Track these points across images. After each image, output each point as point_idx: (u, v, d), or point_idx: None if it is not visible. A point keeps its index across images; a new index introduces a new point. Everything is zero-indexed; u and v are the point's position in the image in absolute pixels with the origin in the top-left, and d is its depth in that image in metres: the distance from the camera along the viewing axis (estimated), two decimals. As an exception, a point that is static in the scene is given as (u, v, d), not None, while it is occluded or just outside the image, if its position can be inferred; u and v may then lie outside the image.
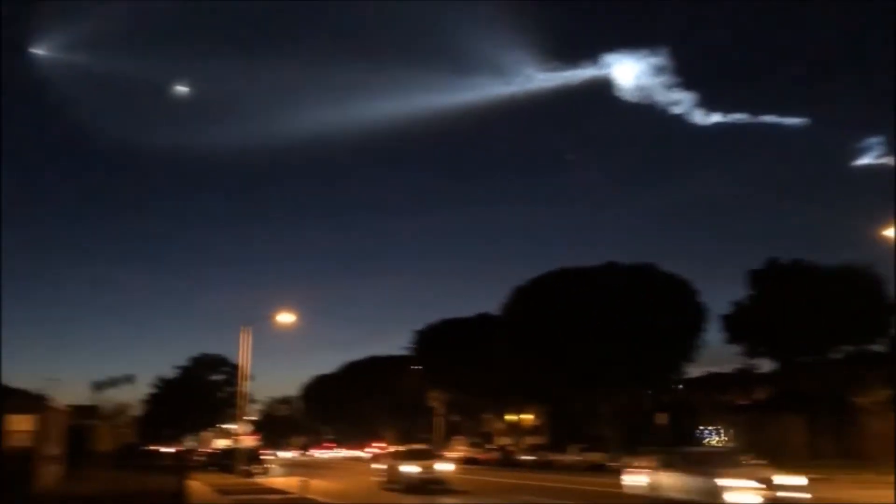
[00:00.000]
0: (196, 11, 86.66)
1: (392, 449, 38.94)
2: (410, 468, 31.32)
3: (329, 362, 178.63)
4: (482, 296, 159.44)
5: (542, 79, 71.98)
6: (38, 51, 67.21)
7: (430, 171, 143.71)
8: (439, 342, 66.44)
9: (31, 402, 35.53)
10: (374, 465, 37.29)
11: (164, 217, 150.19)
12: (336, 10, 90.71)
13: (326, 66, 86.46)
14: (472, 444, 66.20)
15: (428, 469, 31.51)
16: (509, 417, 70.67)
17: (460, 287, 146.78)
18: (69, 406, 47.59)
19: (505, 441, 67.73)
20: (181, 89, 77.27)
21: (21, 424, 34.57)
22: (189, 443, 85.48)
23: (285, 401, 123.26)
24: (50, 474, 35.98)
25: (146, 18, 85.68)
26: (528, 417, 69.36)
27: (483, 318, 64.32)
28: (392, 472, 32.82)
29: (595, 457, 47.10)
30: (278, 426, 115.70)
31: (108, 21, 73.49)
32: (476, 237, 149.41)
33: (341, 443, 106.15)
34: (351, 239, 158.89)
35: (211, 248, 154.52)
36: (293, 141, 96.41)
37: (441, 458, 36.51)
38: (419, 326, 71.90)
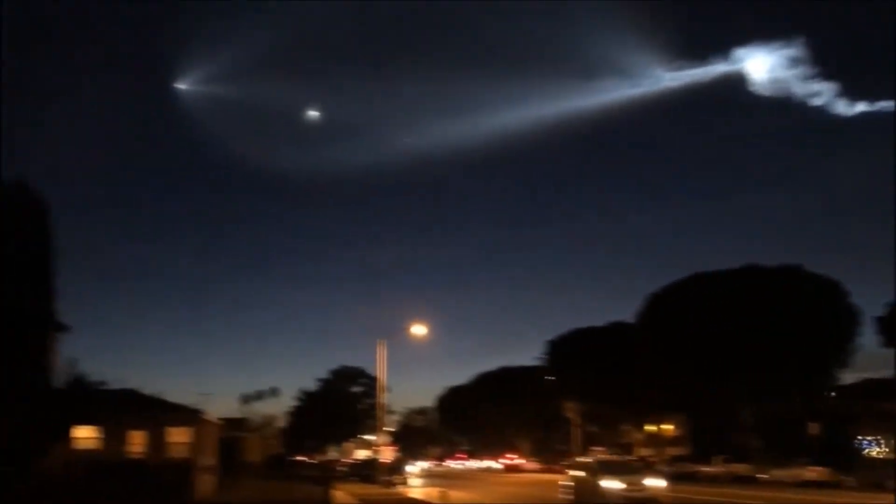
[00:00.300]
0: (323, 38, 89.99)
1: (584, 459, 32.92)
2: (613, 484, 25.31)
3: (463, 373, 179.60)
4: (614, 304, 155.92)
5: (671, 78, 69.82)
6: (182, 85, 72.11)
7: (559, 179, 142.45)
8: (573, 352, 65.66)
9: (187, 415, 37.81)
10: (561, 481, 30.70)
11: (302, 235, 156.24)
12: (456, 25, 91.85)
13: (448, 81, 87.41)
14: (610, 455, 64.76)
15: (636, 486, 25.53)
16: (649, 427, 68.79)
17: (592, 296, 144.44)
18: (221, 419, 50.24)
19: (645, 452, 65.96)
20: (312, 113, 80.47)
21: (179, 437, 36.83)
22: (332, 453, 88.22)
23: (421, 412, 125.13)
24: (206, 483, 38.01)
25: (277, 48, 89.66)
26: (668, 427, 67.27)
27: (617, 327, 63.16)
28: (585, 488, 27.06)
29: (740, 468, 45.20)
30: (415, 437, 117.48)
31: (243, 54, 77.51)
32: (607, 244, 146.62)
33: (475, 453, 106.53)
34: (482, 250, 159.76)
35: (347, 263, 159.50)
36: (420, 155, 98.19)
37: (650, 471, 30.88)
38: (551, 336, 71.40)
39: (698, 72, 71.13)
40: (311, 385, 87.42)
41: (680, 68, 69.67)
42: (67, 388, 23.96)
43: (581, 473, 28.03)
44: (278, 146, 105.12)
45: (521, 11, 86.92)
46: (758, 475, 43.20)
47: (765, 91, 68.72)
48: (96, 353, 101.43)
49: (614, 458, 31.88)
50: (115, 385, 33.45)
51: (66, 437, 27.31)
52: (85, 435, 32.96)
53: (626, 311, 55.93)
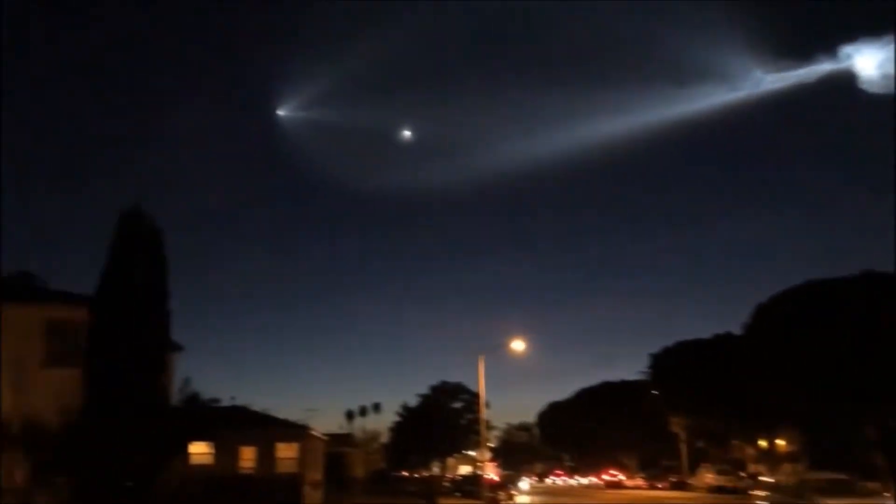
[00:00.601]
0: (415, 59, 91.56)
1: (776, 479, 27.66)
2: None
3: (564, 389, 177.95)
4: (719, 316, 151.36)
5: (773, 80, 67.54)
6: (283, 112, 75.15)
7: (659, 189, 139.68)
8: (678, 365, 63.87)
9: (295, 431, 38.80)
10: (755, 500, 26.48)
11: (403, 252, 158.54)
12: (546, 38, 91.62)
13: (541, 94, 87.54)
14: (720, 472, 62.54)
15: None
16: (762, 443, 66.07)
17: (695, 308, 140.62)
18: (326, 434, 51.27)
19: (758, 468, 63.33)
20: (405, 133, 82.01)
21: (287, 452, 37.83)
22: (434, 469, 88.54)
23: (523, 427, 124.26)
24: (313, 498, 38.83)
25: (370, 74, 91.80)
26: (781, 443, 64.40)
27: (723, 339, 61.05)
28: None
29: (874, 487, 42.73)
30: (516, 453, 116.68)
31: (338, 80, 79.86)
32: (710, 254, 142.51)
33: (577, 470, 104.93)
34: (582, 263, 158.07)
35: (448, 279, 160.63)
36: (514, 170, 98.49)
37: (873, 494, 27.13)
38: (654, 350, 69.77)
39: (802, 72, 68.46)
40: (413, 400, 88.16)
41: (782, 69, 67.26)
42: (183, 406, 24.93)
43: (778, 496, 24.34)
44: (378, 166, 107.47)
45: (611, 21, 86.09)
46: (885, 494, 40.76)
47: (875, 88, 65.44)
48: (208, 370, 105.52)
49: (831, 476, 27.10)
50: (226, 402, 34.73)
51: (182, 453, 28.40)
52: (199, 451, 34.25)
53: (731, 322, 54.00)
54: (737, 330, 56.06)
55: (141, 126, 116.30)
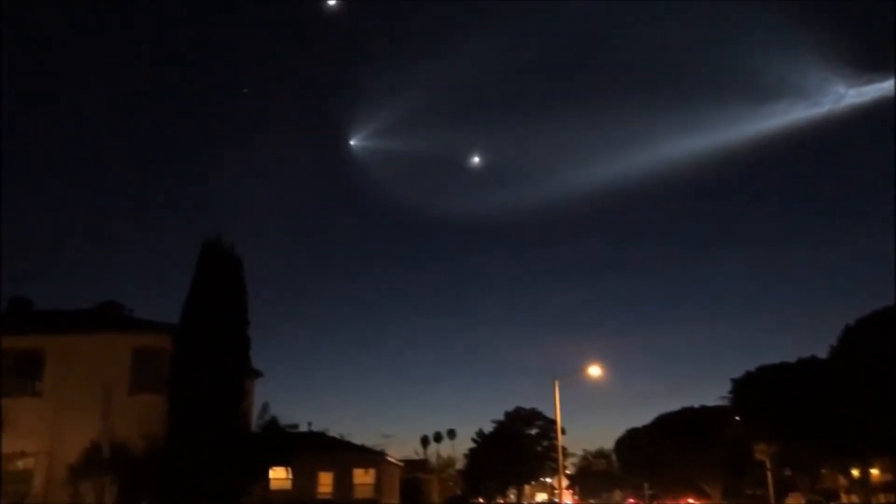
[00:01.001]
0: (484, 87, 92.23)
1: None
2: None
3: (643, 415, 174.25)
4: (801, 339, 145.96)
5: (855, 94, 65.27)
6: (354, 141, 76.98)
7: (737, 209, 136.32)
8: (762, 390, 61.72)
9: (371, 457, 39.01)
10: None
11: (479, 277, 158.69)
12: (617, 60, 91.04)
13: (611, 117, 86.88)
14: (810, 502, 60.05)
15: None
16: (854, 472, 63.08)
17: (776, 331, 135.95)
18: (402, 460, 51.36)
19: (851, 499, 60.48)
20: (475, 160, 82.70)
21: (364, 478, 38.06)
22: (511, 496, 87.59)
23: (601, 454, 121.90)
24: (390, 524, 38.84)
25: (440, 102, 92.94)
26: (876, 472, 61.36)
27: (809, 363, 58.84)
28: None
29: None
30: (594, 480, 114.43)
31: (407, 109, 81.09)
32: (791, 276, 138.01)
33: (658, 497, 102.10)
34: (660, 286, 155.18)
35: (524, 304, 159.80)
36: (587, 194, 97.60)
37: None
38: (736, 375, 67.70)
39: (885, 85, 65.94)
40: (488, 427, 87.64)
41: (864, 83, 64.94)
42: (262, 432, 25.36)
43: None
44: (449, 192, 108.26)
45: (682, 40, 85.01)
46: None
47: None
48: (286, 396, 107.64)
49: None
50: (303, 428, 35.17)
51: (262, 478, 28.83)
52: (278, 476, 34.74)
53: (815, 346, 52.04)
54: (822, 353, 54.08)
55: (219, 156, 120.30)
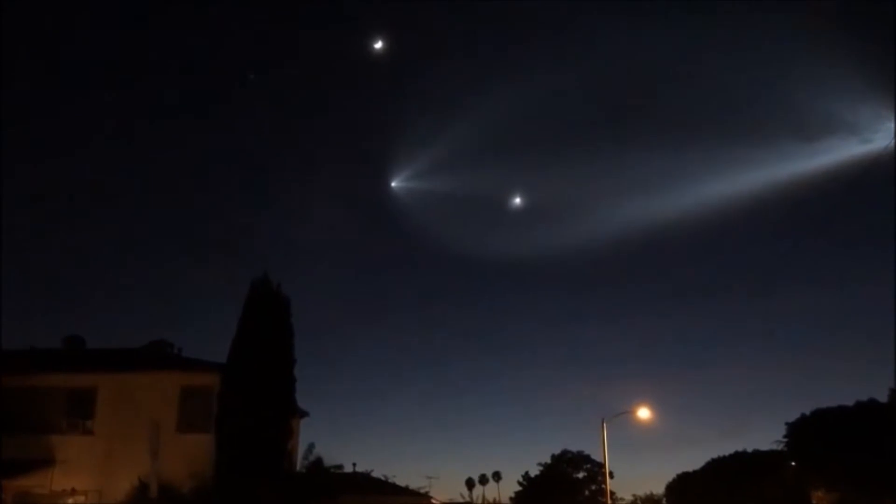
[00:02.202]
0: (526, 126, 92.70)
1: None
2: None
3: (693, 458, 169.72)
4: (857, 381, 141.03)
5: (910, 130, 63.69)
6: (396, 183, 78.02)
7: (788, 249, 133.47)
8: (819, 435, 59.82)
9: (415, 499, 38.61)
10: None
11: (525, 318, 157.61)
12: (658, 95, 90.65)
13: (656, 156, 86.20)
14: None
15: None
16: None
17: (831, 373, 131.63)
18: (446, 503, 50.73)
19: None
20: (516, 200, 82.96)
21: (408, 520, 37.61)
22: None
23: (650, 499, 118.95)
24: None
25: (481, 142, 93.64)
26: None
27: (868, 407, 56.97)
28: None
29: None
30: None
31: (449, 150, 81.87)
32: (845, 317, 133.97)
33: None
34: (710, 326, 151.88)
35: (571, 345, 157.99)
36: (624, 234, 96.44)
37: None
38: (789, 418, 65.80)
39: (943, 119, 64.36)
40: (534, 469, 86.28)
41: (920, 118, 63.51)
42: (307, 471, 25.33)
43: None
44: (492, 233, 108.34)
45: (728, 76, 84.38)
46: None
47: None
48: (330, 436, 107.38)
49: None
50: (348, 468, 34.99)
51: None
52: (323, 517, 34.49)
53: (872, 388, 50.33)
54: (881, 396, 52.38)
55: (268, 197, 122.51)
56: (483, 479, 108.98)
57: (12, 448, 25.43)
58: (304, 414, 30.34)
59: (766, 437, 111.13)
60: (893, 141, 48.56)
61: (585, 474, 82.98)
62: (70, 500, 25.91)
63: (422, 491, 42.09)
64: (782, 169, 70.29)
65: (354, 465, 41.43)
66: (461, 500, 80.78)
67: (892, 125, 61.19)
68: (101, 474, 25.97)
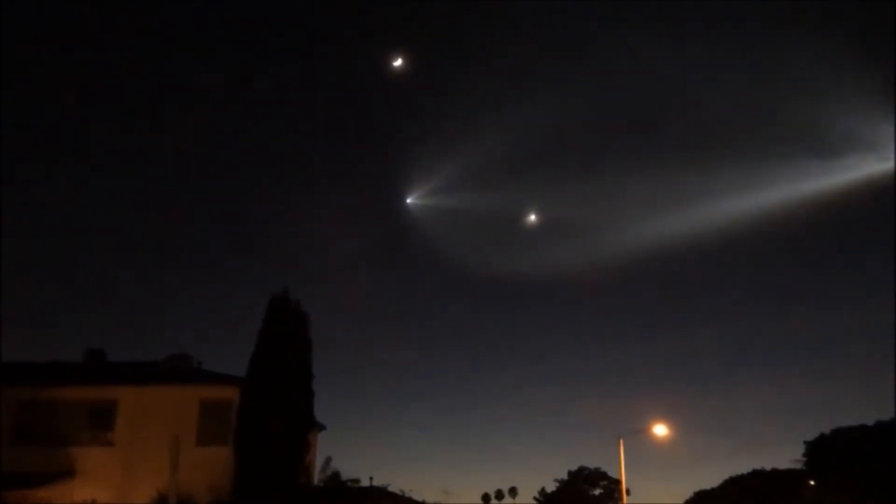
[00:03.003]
0: (541, 143, 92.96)
1: None
2: None
3: (710, 476, 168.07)
4: (875, 400, 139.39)
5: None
6: (412, 199, 78.36)
7: (805, 267, 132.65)
8: (839, 453, 59.23)
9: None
10: None
11: (540, 333, 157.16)
12: (674, 111, 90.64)
13: (671, 174, 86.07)
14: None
15: None
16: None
17: (847, 392, 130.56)
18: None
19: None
20: (531, 217, 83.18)
21: (424, 535, 37.51)
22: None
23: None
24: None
25: (496, 159, 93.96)
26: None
27: (889, 426, 56.39)
28: None
29: None
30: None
31: (464, 167, 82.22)
32: (864, 335, 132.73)
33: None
34: (727, 344, 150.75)
35: (588, 361, 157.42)
36: (641, 251, 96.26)
37: None
38: (808, 437, 65.26)
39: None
40: (550, 485, 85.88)
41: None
42: (325, 485, 25.46)
43: None
44: (508, 249, 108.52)
45: (745, 94, 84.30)
46: None
47: None
48: (347, 450, 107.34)
49: None
50: (364, 481, 35.03)
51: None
52: (339, 531, 34.52)
53: (890, 408, 49.74)
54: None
55: (287, 212, 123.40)
56: (499, 494, 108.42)
57: (34, 459, 25.76)
58: (321, 427, 30.50)
59: (784, 455, 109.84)
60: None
61: (602, 491, 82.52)
62: (90, 512, 26.15)
63: (437, 506, 42.06)
64: (801, 186, 70.11)
65: (371, 478, 41.40)
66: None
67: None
68: (121, 486, 26.22)
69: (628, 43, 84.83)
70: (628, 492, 56.33)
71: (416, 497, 42.07)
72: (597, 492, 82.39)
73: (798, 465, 68.78)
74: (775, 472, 77.99)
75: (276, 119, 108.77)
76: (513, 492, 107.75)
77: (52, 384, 28.59)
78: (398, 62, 67.15)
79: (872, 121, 65.10)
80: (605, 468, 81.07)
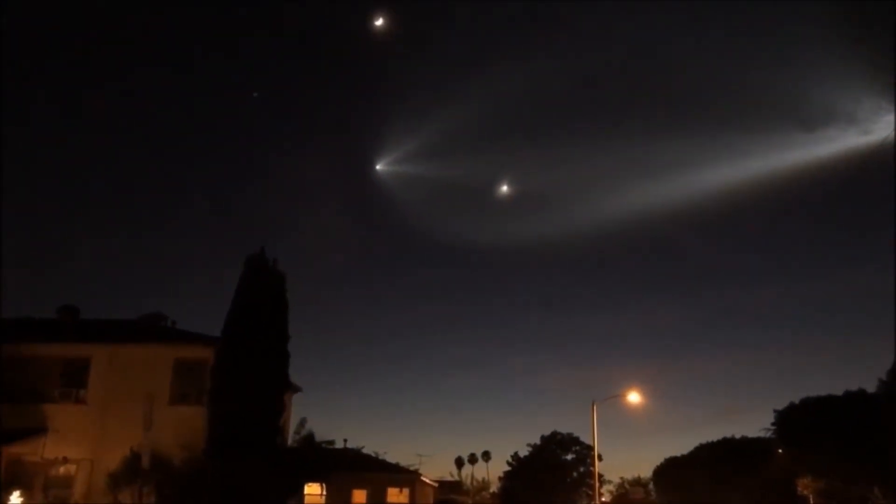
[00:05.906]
0: (514, 112, 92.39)
1: None
2: None
3: (681, 443, 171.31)
4: (846, 371, 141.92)
5: (908, 122, 63.52)
6: (381, 167, 77.70)
7: (782, 237, 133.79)
8: (807, 423, 60.15)
9: (405, 476, 38.89)
10: None
11: (517, 301, 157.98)
12: (655, 80, 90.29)
13: (649, 142, 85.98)
14: (856, 541, 58.09)
15: None
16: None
17: (819, 362, 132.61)
18: (436, 481, 51.11)
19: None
20: (503, 188, 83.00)
21: (398, 497, 37.92)
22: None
23: (638, 482, 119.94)
24: (423, 545, 38.58)
25: (468, 128, 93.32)
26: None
27: (856, 397, 57.23)
28: None
29: None
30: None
31: (435, 135, 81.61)
32: (837, 306, 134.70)
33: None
34: (700, 314, 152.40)
35: (557, 329, 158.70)
36: (614, 221, 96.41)
37: None
38: (779, 405, 66.16)
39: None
40: (523, 450, 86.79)
41: (919, 110, 63.36)
42: (299, 446, 25.47)
43: None
44: (480, 218, 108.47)
45: (726, 63, 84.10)
46: None
47: None
48: (321, 412, 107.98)
49: None
50: (339, 444, 35.25)
51: (298, 493, 28.90)
52: (313, 491, 34.76)
53: (861, 379, 50.58)
54: (869, 387, 52.63)
55: (262, 173, 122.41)
56: (472, 459, 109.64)
57: (6, 416, 25.57)
58: (296, 389, 30.47)
59: (755, 423, 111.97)
60: (893, 132, 48.44)
61: (574, 456, 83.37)
62: (62, 469, 26.08)
63: (412, 469, 42.42)
64: (780, 158, 70.36)
65: (346, 441, 41.73)
66: (450, 479, 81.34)
67: (892, 117, 61.09)
68: (94, 444, 26.16)
69: (605, 12, 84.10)
70: (600, 457, 57.00)
71: (390, 460, 42.42)
72: (569, 457, 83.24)
73: (767, 434, 69.62)
74: (744, 440, 79.08)
75: (251, 80, 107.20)
76: (486, 456, 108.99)
77: (25, 341, 28.31)
78: (379, 22, 66.00)
79: (853, 94, 65.25)
80: (578, 434, 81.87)
